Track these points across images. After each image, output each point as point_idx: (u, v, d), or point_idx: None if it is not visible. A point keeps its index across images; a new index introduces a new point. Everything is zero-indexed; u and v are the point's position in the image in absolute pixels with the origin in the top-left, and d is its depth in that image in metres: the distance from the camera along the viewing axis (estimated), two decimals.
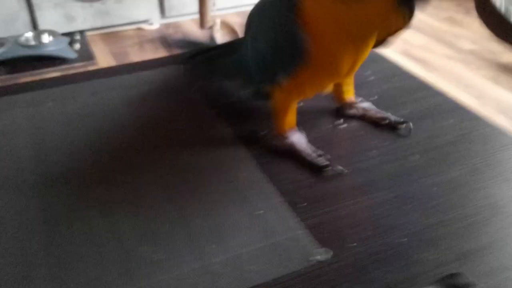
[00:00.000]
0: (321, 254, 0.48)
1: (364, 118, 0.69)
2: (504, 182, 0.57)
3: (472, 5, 2.71)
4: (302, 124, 0.65)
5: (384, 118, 0.68)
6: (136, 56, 2.26)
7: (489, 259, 0.47)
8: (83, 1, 2.34)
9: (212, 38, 2.27)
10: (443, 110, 0.71)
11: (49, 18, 2.36)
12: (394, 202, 0.55)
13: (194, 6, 2.51)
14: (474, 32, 2.42)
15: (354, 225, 0.52)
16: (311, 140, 0.63)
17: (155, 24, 2.56)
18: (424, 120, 0.69)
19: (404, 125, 0.67)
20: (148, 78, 0.80)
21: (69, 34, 2.34)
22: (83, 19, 2.42)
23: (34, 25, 2.34)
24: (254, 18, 0.63)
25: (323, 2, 0.51)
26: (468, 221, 0.52)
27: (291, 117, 0.63)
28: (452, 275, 0.44)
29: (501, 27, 0.46)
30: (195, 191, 0.55)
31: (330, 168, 0.59)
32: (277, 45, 0.56)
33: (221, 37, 2.28)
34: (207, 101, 0.74)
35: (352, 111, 0.70)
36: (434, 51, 2.25)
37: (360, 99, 0.71)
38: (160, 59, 0.89)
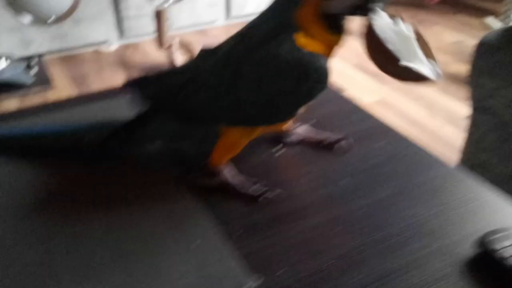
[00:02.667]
0: (252, 282, 0.50)
1: (303, 142, 0.73)
2: (426, 202, 0.62)
3: (424, 17, 2.82)
4: (242, 152, 0.68)
5: (324, 139, 0.72)
6: (95, 78, 2.26)
7: (410, 277, 0.51)
8: (40, 25, 2.33)
9: (172, 60, 2.30)
10: (374, 133, 0.75)
11: (5, 43, 2.33)
12: (325, 226, 0.58)
13: (153, 26, 2.53)
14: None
15: (285, 250, 0.55)
16: (250, 168, 0.67)
17: (114, 45, 2.57)
18: (357, 142, 0.73)
19: (344, 142, 0.70)
20: (91, 111, 0.81)
21: (27, 59, 2.32)
22: (40, 42, 2.41)
23: None
24: (245, 62, 0.58)
25: (319, 34, 0.57)
26: (391, 241, 0.56)
27: (234, 154, 0.65)
28: None
29: (382, 55, 0.50)
30: (133, 224, 0.58)
31: (265, 195, 0.62)
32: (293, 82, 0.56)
33: (179, 57, 2.31)
34: None
35: (290, 138, 0.73)
36: None
37: (298, 123, 0.74)
38: (108, 90, 0.91)
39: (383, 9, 0.56)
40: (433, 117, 1.93)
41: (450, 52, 2.41)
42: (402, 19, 0.57)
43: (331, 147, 0.71)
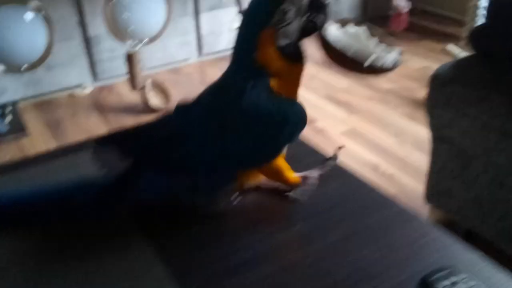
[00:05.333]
0: None
1: (260, 188, 0.76)
2: (375, 243, 0.65)
3: (391, 44, 2.92)
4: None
5: (278, 186, 0.74)
6: (70, 123, 2.28)
7: None
8: (13, 73, 2.35)
9: (145, 102, 2.33)
10: (329, 175, 0.78)
11: None
12: (277, 275, 0.60)
13: (126, 68, 2.57)
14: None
15: None
16: (208, 217, 0.69)
17: (88, 88, 2.59)
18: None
19: (298, 189, 0.73)
20: (57, 168, 0.83)
21: (1, 107, 2.33)
22: (14, 90, 2.42)
23: None
24: (228, 115, 0.63)
25: (283, 67, 0.62)
26: (340, 286, 0.58)
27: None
28: None
29: (341, 60, 0.57)
30: (92, 280, 0.59)
31: None
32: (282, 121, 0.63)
33: (153, 97, 2.34)
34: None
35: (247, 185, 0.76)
36: (356, 93, 2.40)
37: None
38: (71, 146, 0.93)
39: (330, 23, 0.62)
40: (402, 144, 1.98)
41: (416, 78, 2.49)
42: (353, 23, 0.63)
43: (285, 194, 0.74)
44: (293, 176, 0.72)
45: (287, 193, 0.73)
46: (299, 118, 0.63)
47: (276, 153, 0.66)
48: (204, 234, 0.67)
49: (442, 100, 1.26)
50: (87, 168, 0.82)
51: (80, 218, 0.67)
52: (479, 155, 1.21)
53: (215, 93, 0.65)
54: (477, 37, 1.30)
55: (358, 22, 0.62)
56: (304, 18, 0.61)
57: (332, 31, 0.62)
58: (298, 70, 0.63)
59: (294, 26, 0.60)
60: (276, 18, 0.59)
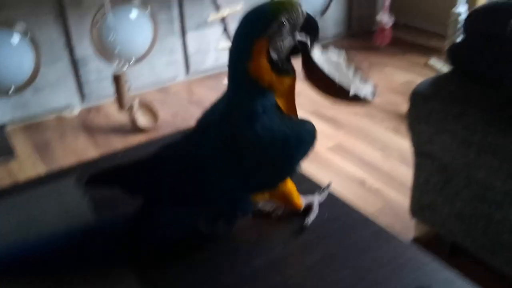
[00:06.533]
0: None
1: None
2: (353, 264, 0.66)
3: (375, 59, 2.96)
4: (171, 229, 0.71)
5: (259, 207, 0.76)
6: (58, 145, 2.28)
7: None
8: (1, 96, 2.35)
9: (133, 121, 2.34)
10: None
11: None
12: None
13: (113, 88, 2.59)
14: (378, 85, 2.63)
15: None
16: (184, 244, 0.70)
17: (76, 109, 2.60)
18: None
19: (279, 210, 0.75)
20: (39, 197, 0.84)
21: None
22: (1, 112, 2.43)
23: None
24: (243, 142, 0.63)
25: (277, 80, 0.63)
26: None
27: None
28: None
29: (329, 87, 0.59)
30: None
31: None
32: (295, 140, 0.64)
33: (140, 117, 2.35)
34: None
35: None
36: (341, 109, 2.43)
37: None
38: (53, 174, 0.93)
39: (316, 45, 0.64)
40: (388, 158, 2.01)
41: (401, 92, 2.53)
42: (333, 48, 0.65)
43: (267, 216, 0.75)
44: (300, 199, 0.74)
45: (305, 223, 0.73)
46: (312, 137, 0.65)
47: (291, 173, 0.68)
48: (189, 259, 0.68)
49: (423, 116, 1.28)
50: (72, 195, 0.83)
51: (96, 263, 0.66)
52: (460, 170, 1.23)
53: (224, 117, 0.65)
54: (454, 53, 1.34)
55: (339, 41, 0.65)
56: (296, 37, 0.63)
57: (316, 56, 0.64)
58: (288, 82, 0.64)
59: (287, 42, 0.62)
60: (272, 29, 0.61)
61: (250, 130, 0.62)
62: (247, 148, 0.62)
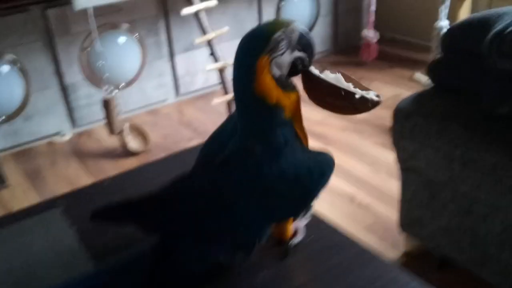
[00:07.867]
0: None
1: None
2: (336, 285, 0.67)
3: (363, 74, 3.00)
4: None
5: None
6: (49, 171, 2.29)
7: None
8: None
9: (124, 145, 2.35)
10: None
11: None
12: None
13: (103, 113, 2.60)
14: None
15: None
16: None
17: (67, 135, 2.61)
18: None
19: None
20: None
21: None
22: None
23: None
24: (267, 178, 0.64)
25: (282, 96, 0.65)
26: None
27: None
28: None
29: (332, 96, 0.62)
30: None
31: None
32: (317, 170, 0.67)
33: (131, 141, 2.37)
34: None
35: None
36: (330, 125, 2.46)
37: None
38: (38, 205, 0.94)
39: (312, 62, 0.67)
40: (377, 173, 2.03)
41: (388, 106, 2.53)
42: (328, 70, 0.67)
43: (288, 244, 0.76)
44: (291, 225, 0.75)
45: (289, 243, 0.74)
46: (331, 168, 0.69)
47: (311, 203, 0.71)
48: None
49: (406, 133, 1.31)
50: (59, 227, 0.84)
51: None
52: (445, 184, 1.25)
53: (245, 152, 0.65)
54: (434, 70, 1.37)
55: (326, 57, 0.66)
56: (294, 54, 0.65)
57: (316, 72, 0.67)
58: (294, 98, 0.66)
59: (286, 58, 0.64)
60: (270, 46, 0.62)
61: (276, 167, 0.64)
62: (273, 184, 0.64)
